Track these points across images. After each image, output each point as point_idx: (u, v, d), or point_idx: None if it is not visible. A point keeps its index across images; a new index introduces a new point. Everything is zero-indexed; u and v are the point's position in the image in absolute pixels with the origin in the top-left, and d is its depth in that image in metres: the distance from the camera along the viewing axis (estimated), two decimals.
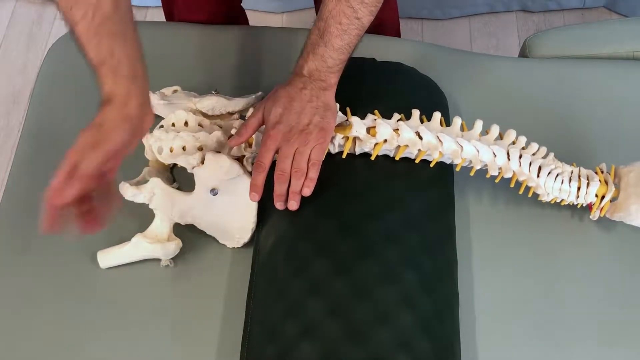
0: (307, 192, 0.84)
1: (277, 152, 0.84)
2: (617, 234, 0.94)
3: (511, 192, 0.93)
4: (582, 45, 1.14)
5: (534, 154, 0.89)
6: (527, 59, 1.15)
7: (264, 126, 0.87)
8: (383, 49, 1.03)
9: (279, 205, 0.85)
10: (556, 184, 0.88)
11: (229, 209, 0.88)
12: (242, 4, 1.33)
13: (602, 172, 0.91)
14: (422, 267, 0.82)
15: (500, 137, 0.89)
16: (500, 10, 1.86)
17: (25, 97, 1.74)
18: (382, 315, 0.77)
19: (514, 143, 0.89)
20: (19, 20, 1.90)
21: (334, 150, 0.88)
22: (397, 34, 1.35)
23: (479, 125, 0.87)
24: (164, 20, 1.29)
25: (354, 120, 0.86)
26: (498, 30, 1.84)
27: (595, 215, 0.90)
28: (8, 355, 0.87)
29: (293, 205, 0.84)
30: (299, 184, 0.83)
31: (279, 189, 0.84)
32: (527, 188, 0.90)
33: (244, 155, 0.88)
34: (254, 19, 1.52)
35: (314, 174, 0.84)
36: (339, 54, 0.84)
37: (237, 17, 1.33)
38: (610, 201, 0.89)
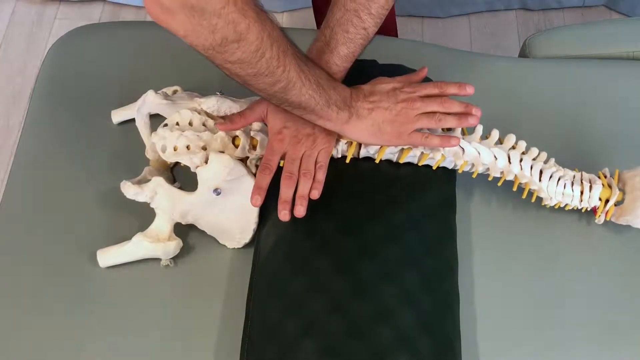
0: (316, 194, 0.83)
1: (282, 157, 0.85)
2: (622, 237, 0.94)
3: (513, 195, 0.93)
4: (582, 45, 1.14)
5: (534, 159, 0.88)
6: (527, 59, 1.15)
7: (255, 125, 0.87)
8: (383, 49, 1.03)
9: (283, 215, 0.82)
10: (559, 187, 0.88)
11: (231, 210, 0.88)
12: None
13: (606, 177, 0.91)
14: (422, 266, 0.82)
15: (500, 142, 0.89)
16: (500, 9, 1.86)
17: (25, 97, 1.74)
18: (383, 313, 0.78)
19: (513, 147, 0.88)
20: (19, 20, 1.90)
21: (337, 155, 0.88)
22: (395, 33, 1.35)
23: (479, 129, 0.87)
24: None
25: None
26: (498, 30, 1.84)
27: (600, 219, 0.90)
28: (8, 355, 0.87)
29: (300, 210, 0.82)
30: (307, 186, 0.83)
31: (285, 193, 0.83)
32: (530, 192, 0.90)
33: (247, 157, 0.88)
34: None
35: (322, 176, 0.84)
36: (343, 61, 0.85)
37: None
38: (615, 205, 0.89)
